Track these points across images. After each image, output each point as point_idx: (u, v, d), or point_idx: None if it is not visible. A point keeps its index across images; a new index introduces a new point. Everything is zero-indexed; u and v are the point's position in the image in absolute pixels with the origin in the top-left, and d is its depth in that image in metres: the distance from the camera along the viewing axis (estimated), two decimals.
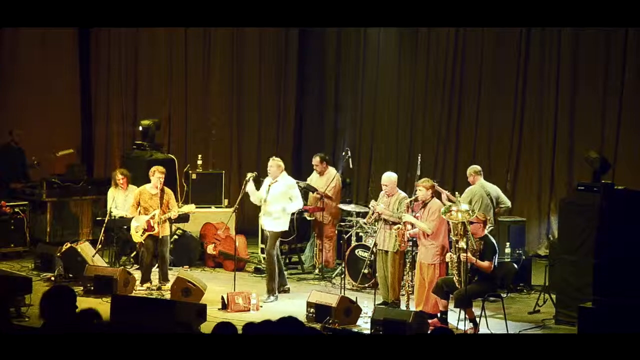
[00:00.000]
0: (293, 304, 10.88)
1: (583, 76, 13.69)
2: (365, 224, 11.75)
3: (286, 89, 16.43)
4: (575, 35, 13.58)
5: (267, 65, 16.27)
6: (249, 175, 11.22)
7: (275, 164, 11.08)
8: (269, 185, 11.07)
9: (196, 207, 12.30)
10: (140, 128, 14.15)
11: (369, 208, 11.00)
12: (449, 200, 11.33)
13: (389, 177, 10.76)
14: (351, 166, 13.39)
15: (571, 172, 13.78)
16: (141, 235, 11.44)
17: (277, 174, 11.04)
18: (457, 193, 11.26)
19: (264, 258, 11.82)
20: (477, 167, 11.96)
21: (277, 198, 11.02)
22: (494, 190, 11.78)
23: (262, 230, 11.34)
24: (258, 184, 11.43)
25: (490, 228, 11.48)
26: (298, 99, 16.51)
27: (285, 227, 11.26)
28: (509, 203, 12.01)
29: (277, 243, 11.24)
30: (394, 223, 10.49)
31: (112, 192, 12.56)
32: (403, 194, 10.73)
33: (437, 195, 10.98)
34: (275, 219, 11.04)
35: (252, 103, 16.25)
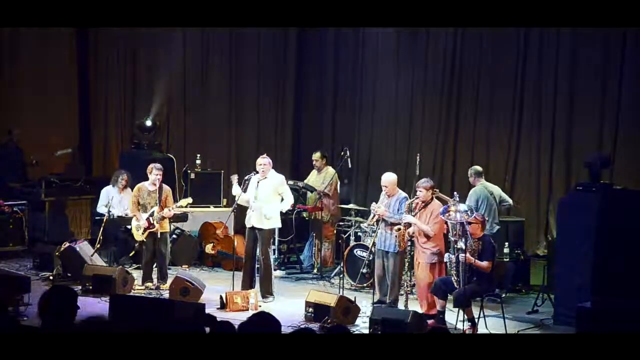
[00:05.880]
0: (292, 303, 10.86)
1: (582, 76, 13.68)
2: (367, 226, 11.69)
3: (285, 89, 16.43)
4: (574, 35, 13.58)
5: (266, 65, 16.26)
6: (249, 175, 11.20)
7: (268, 161, 10.96)
8: (258, 182, 10.95)
9: (194, 206, 12.27)
10: (149, 122, 14.14)
11: (371, 210, 10.93)
12: None
13: (389, 178, 10.70)
14: (350, 165, 13.37)
15: (569, 172, 13.77)
16: (142, 234, 11.44)
17: (269, 170, 10.99)
18: (456, 193, 11.20)
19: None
20: (479, 168, 11.86)
21: (269, 196, 10.93)
22: (496, 190, 11.73)
23: (251, 228, 11.03)
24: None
25: (497, 228, 11.46)
26: (297, 99, 16.50)
27: (278, 224, 11.24)
28: (511, 201, 12.00)
29: (271, 241, 11.22)
30: (395, 224, 10.48)
31: (107, 191, 12.57)
32: (404, 194, 10.66)
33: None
34: (267, 218, 10.96)
35: (251, 103, 16.24)
